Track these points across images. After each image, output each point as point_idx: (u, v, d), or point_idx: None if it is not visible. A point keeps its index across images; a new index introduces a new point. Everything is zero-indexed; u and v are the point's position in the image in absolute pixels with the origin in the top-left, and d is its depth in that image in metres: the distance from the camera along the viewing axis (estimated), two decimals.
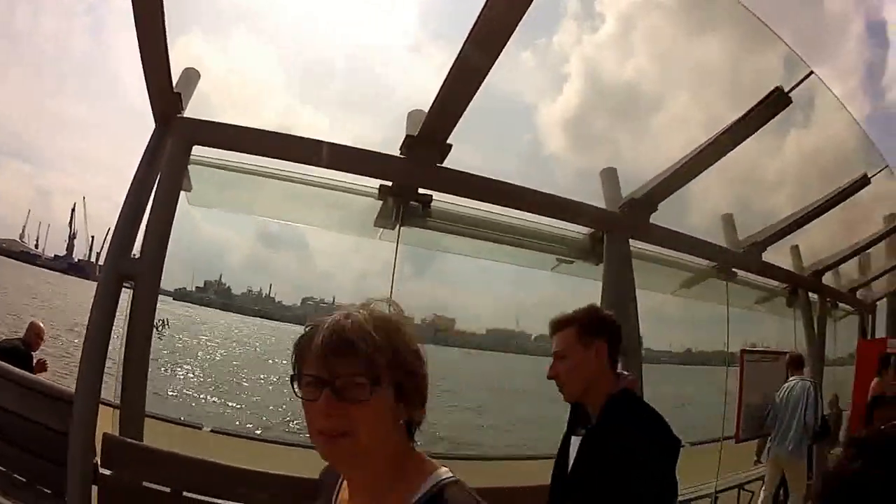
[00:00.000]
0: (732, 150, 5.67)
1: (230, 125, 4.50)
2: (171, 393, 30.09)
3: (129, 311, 4.33)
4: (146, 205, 4.32)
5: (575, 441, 2.84)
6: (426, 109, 4.60)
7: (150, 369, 4.54)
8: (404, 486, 1.48)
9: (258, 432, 22.84)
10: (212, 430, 12.39)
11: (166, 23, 3.73)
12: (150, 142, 4.43)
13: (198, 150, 4.54)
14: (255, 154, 4.68)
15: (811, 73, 5.59)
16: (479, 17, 3.83)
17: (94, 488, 4.07)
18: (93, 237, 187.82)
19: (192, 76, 4.71)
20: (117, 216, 4.32)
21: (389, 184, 5.02)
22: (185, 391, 33.08)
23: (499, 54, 4.04)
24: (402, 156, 4.77)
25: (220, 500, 3.95)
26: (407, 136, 4.69)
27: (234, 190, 5.37)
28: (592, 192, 6.12)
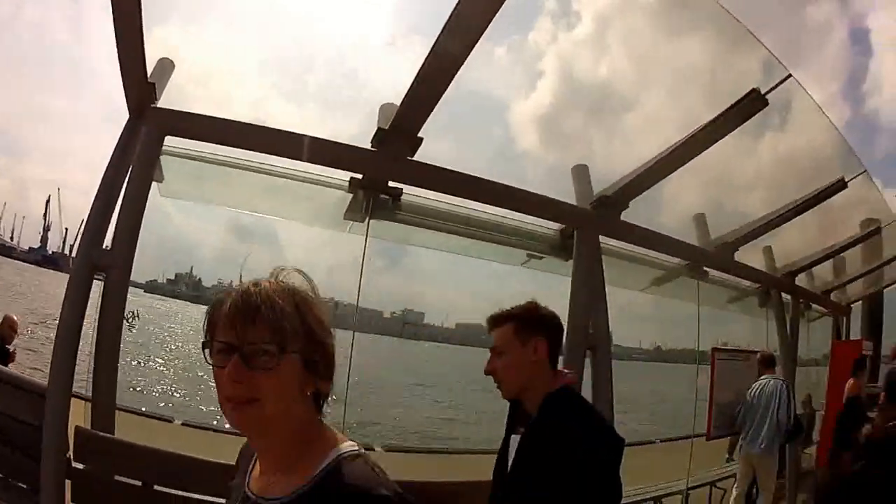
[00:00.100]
0: (706, 149, 5.72)
1: (203, 116, 4.51)
2: (140, 385, 30.06)
3: (100, 303, 4.32)
4: (118, 196, 4.33)
5: (515, 440, 2.83)
6: (399, 103, 4.62)
7: (120, 362, 4.53)
8: (310, 458, 1.53)
9: (228, 426, 22.88)
10: (183, 424, 12.43)
11: (143, 13, 3.74)
12: (123, 132, 4.43)
13: (170, 141, 4.57)
14: (227, 145, 4.70)
15: (789, 75, 5.63)
16: (453, 10, 3.86)
17: (68, 482, 4.06)
18: (66, 229, 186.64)
19: (166, 66, 4.72)
20: (90, 207, 4.34)
21: (360, 176, 5.07)
22: (156, 384, 33.04)
23: (472, 48, 4.07)
24: (372, 149, 4.79)
25: (191, 494, 3.92)
26: (378, 128, 4.71)
27: (205, 181, 5.38)
28: (564, 189, 6.17)
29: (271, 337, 1.46)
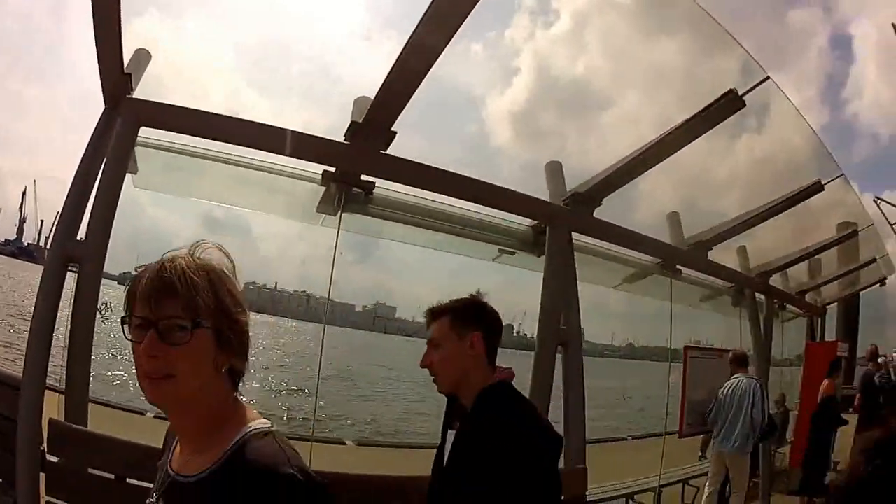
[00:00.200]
0: (682, 149, 5.78)
1: (177, 107, 4.51)
2: (115, 378, 29.95)
3: (73, 294, 4.31)
4: (93, 187, 4.33)
5: (451, 434, 2.83)
6: (373, 97, 4.64)
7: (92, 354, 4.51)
8: (223, 436, 1.57)
9: None
10: (155, 416, 12.45)
11: (122, 3, 3.76)
12: (98, 123, 4.44)
13: (145, 132, 4.56)
14: (202, 137, 4.71)
15: (767, 77, 5.65)
16: (430, 4, 3.88)
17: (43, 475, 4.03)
18: (42, 221, 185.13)
19: (142, 57, 4.72)
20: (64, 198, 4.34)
21: (333, 169, 5.07)
22: (128, 376, 32.90)
23: (449, 40, 4.10)
24: (346, 142, 4.80)
25: None
26: (352, 122, 4.73)
27: (179, 173, 5.39)
28: (538, 185, 6.22)
29: (184, 312, 1.49)
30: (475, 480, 2.48)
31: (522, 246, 6.40)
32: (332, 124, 4.96)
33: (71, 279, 4.31)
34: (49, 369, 4.22)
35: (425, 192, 5.56)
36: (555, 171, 6.29)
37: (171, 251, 1.61)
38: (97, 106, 4.46)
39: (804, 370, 10.93)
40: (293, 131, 4.68)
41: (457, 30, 4.03)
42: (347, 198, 5.27)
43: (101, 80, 4.28)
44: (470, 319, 2.77)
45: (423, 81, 4.41)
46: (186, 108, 4.51)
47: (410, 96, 4.53)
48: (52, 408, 4.21)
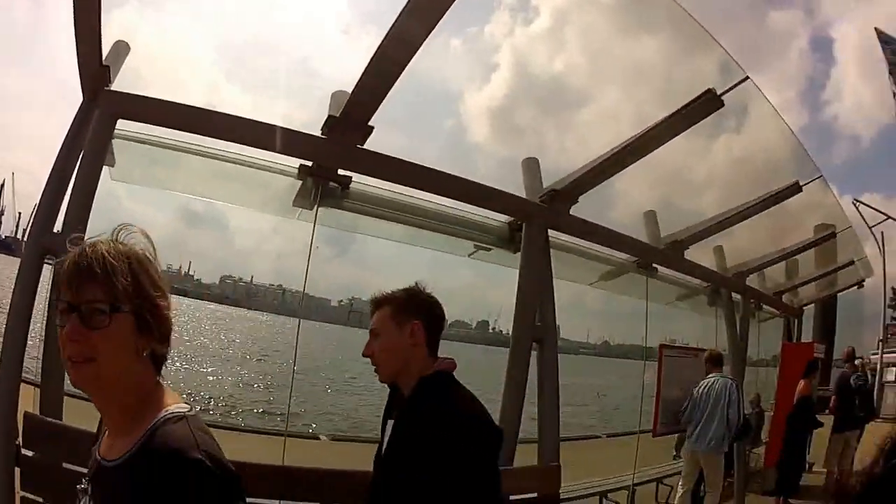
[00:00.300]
0: (659, 147, 5.82)
1: (155, 99, 4.50)
2: None
3: (50, 287, 4.33)
4: (70, 179, 4.33)
5: (391, 424, 2.85)
6: (350, 91, 4.64)
7: None
8: (144, 420, 1.61)
9: None
10: None
11: None
12: (76, 115, 4.46)
13: (123, 125, 4.56)
14: (179, 129, 4.71)
15: (746, 77, 5.67)
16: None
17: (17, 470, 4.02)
18: (20, 213, 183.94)
19: (121, 49, 4.73)
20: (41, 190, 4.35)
21: (309, 164, 5.08)
22: None
23: (428, 34, 4.12)
24: (322, 136, 4.82)
25: None
26: (329, 116, 4.74)
27: (157, 166, 5.39)
28: (515, 182, 6.27)
29: (103, 296, 1.54)
30: (413, 469, 2.52)
31: (498, 242, 6.44)
32: (310, 118, 4.99)
33: (48, 272, 4.28)
34: (25, 362, 4.23)
35: (402, 187, 5.58)
36: (531, 167, 6.34)
37: (94, 237, 1.66)
38: (76, 98, 4.49)
39: (780, 371, 10.99)
40: (270, 125, 4.69)
41: (438, 21, 4.05)
42: (324, 192, 5.27)
43: (80, 71, 4.29)
44: (410, 309, 2.82)
45: (402, 77, 4.42)
46: (164, 101, 4.50)
47: (388, 90, 4.54)
48: (28, 401, 4.22)
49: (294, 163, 5.12)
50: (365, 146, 4.98)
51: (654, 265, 8.27)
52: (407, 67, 4.36)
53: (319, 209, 5.29)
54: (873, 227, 29.60)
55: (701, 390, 8.34)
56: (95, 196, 4.31)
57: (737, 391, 8.27)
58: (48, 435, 4.02)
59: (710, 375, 8.45)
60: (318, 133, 4.84)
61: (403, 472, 2.58)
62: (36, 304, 4.27)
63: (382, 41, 4.16)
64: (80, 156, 4.34)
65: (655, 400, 8.43)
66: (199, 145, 5.04)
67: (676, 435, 9.73)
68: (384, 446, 2.83)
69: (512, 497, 5.13)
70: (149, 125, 4.68)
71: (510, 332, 5.92)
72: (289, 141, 4.77)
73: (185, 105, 4.54)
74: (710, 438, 8.14)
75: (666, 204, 9.76)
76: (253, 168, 5.26)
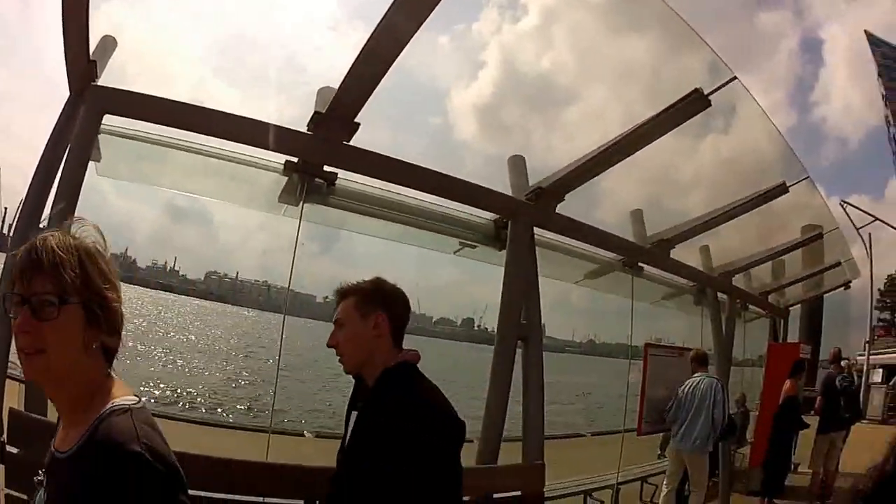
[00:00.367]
0: (646, 146, 5.86)
1: (142, 95, 4.49)
2: None
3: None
4: (56, 175, 4.31)
5: (355, 416, 2.84)
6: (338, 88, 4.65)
7: None
8: (94, 412, 1.64)
9: (151, 402, 22.81)
10: None
11: None
12: (63, 110, 4.46)
13: (109, 120, 4.55)
14: (165, 125, 4.70)
15: (734, 77, 5.71)
16: None
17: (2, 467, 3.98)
18: (6, 208, 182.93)
19: (108, 44, 4.71)
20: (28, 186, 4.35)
21: (295, 160, 5.08)
22: None
23: (415, 31, 4.14)
24: (308, 132, 4.83)
25: None
26: (315, 112, 4.75)
27: (142, 161, 5.38)
28: (501, 180, 6.29)
29: (53, 288, 1.58)
30: (376, 459, 2.51)
31: (484, 240, 6.45)
32: (297, 115, 4.99)
33: None
34: (10, 358, 4.22)
35: (388, 183, 5.58)
36: (518, 165, 6.38)
37: (47, 231, 1.68)
38: (62, 93, 4.49)
39: (766, 371, 11.03)
40: (256, 121, 4.69)
41: (427, 16, 4.07)
42: (309, 188, 5.27)
43: (67, 66, 4.29)
44: (375, 301, 2.84)
45: (389, 74, 4.44)
46: (151, 97, 4.49)
47: (375, 86, 4.55)
48: (13, 398, 4.21)
49: (280, 159, 5.12)
50: (351, 143, 4.99)
51: (640, 264, 8.30)
52: (395, 65, 4.38)
53: (305, 205, 5.28)
54: (860, 228, 29.79)
55: (686, 389, 8.37)
56: (81, 191, 4.28)
57: (722, 391, 8.29)
58: (33, 432, 3.93)
59: (696, 375, 8.47)
60: (304, 129, 4.86)
61: (367, 463, 2.57)
62: None
63: (372, 35, 4.16)
64: (67, 151, 4.34)
65: (640, 399, 8.47)
66: (184, 141, 5.01)
67: (661, 434, 9.77)
68: (347, 437, 2.83)
69: (496, 495, 5.16)
70: (135, 120, 4.68)
71: (495, 330, 5.96)
72: (275, 137, 4.76)
73: (171, 100, 4.55)
74: (695, 438, 8.16)
75: (653, 203, 9.78)
76: (239, 164, 5.25)
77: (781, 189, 8.01)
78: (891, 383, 27.55)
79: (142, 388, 28.60)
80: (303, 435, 13.67)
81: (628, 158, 6.02)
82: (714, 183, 9.73)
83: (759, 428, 10.87)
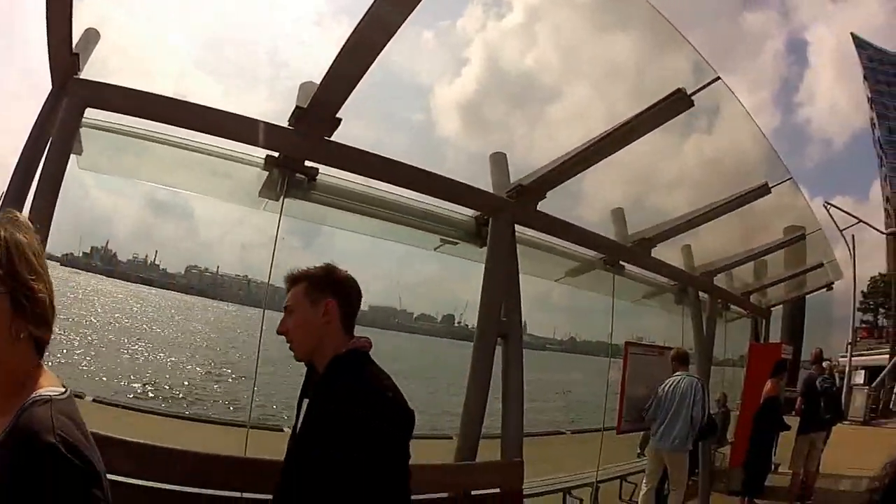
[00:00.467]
0: (628, 145, 5.88)
1: (124, 88, 4.49)
2: (48, 358, 29.78)
3: None
4: (38, 168, 4.29)
5: (306, 403, 2.81)
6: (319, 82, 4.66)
7: None
8: (20, 402, 1.63)
9: (126, 396, 22.79)
10: (93, 400, 12.37)
11: None
12: (45, 103, 4.44)
13: (91, 113, 4.55)
14: (147, 118, 4.70)
15: (717, 78, 5.73)
16: None
17: None
18: None
19: (91, 37, 4.71)
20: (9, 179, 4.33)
21: (276, 154, 5.09)
22: (64, 358, 32.70)
23: (397, 29, 4.15)
24: (290, 127, 4.83)
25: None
26: (297, 107, 4.75)
27: (124, 155, 5.37)
28: (484, 177, 6.32)
29: None
30: (325, 446, 2.49)
31: (465, 236, 6.48)
32: (281, 109, 5.01)
33: None
34: None
35: (369, 179, 5.61)
36: (499, 162, 6.41)
37: None
38: (45, 86, 4.50)
39: (747, 371, 11.14)
40: (237, 115, 4.70)
41: (404, 19, 4.10)
42: (290, 183, 5.28)
43: (50, 59, 4.28)
44: (325, 287, 2.83)
45: (373, 69, 4.45)
46: (133, 90, 4.49)
47: (357, 82, 4.55)
48: None
49: (261, 153, 5.13)
50: (333, 138, 5.00)
51: (622, 262, 8.36)
52: (379, 60, 4.38)
53: (286, 200, 5.30)
54: (844, 230, 30.04)
55: (666, 388, 8.41)
56: (62, 184, 4.29)
57: (702, 390, 8.33)
58: None
59: (676, 374, 8.52)
60: (286, 124, 4.86)
61: (317, 451, 2.54)
62: None
63: (356, 27, 4.17)
64: (48, 144, 4.33)
65: (620, 397, 8.51)
66: (166, 134, 5.02)
67: (642, 433, 9.83)
68: (298, 425, 2.81)
69: (474, 492, 5.20)
70: (116, 114, 4.67)
71: (476, 327, 5.99)
72: (256, 131, 4.77)
73: (153, 94, 4.54)
74: (675, 437, 8.20)
75: (636, 202, 9.87)
76: (220, 158, 5.25)
77: (764, 190, 8.05)
78: (873, 385, 27.79)
79: (121, 383, 28.60)
80: (282, 430, 13.67)
81: (612, 157, 6.05)
82: (697, 182, 9.79)
83: (739, 428, 10.96)
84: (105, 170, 5.93)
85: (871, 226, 34.94)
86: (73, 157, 4.52)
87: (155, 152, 5.19)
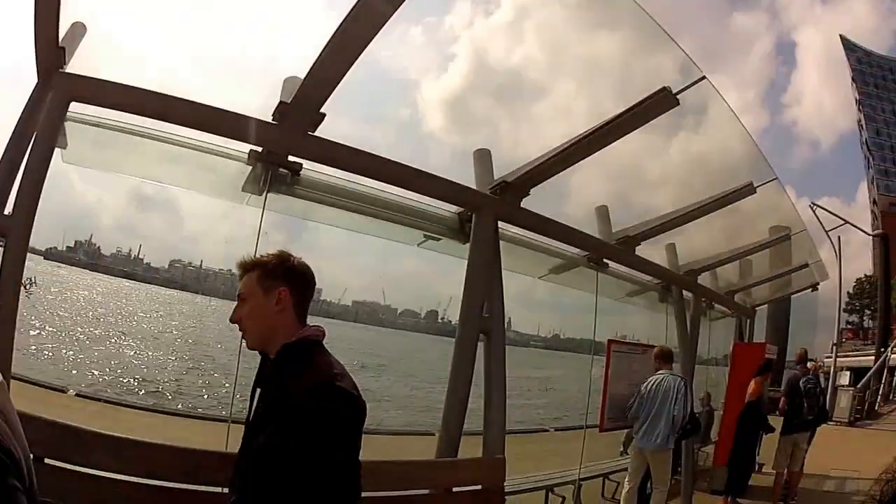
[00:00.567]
0: (612, 143, 5.93)
1: (109, 82, 4.51)
2: (32, 352, 29.72)
3: None
4: (22, 161, 4.30)
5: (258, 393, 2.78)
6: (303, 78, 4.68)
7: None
8: None
9: (108, 391, 22.74)
10: (77, 394, 12.36)
11: None
12: (30, 97, 4.43)
13: (76, 107, 4.57)
14: (131, 112, 4.69)
15: (703, 77, 5.76)
16: None
17: None
18: None
19: (77, 31, 4.72)
20: None
21: (259, 149, 5.10)
22: (48, 352, 32.66)
23: (384, 22, 4.19)
24: (273, 122, 4.86)
25: (81, 469, 3.78)
26: (280, 102, 4.78)
27: (108, 149, 5.38)
28: (469, 173, 6.38)
29: None
30: (274, 435, 2.46)
31: (448, 232, 6.53)
32: (266, 104, 5.04)
33: None
34: None
35: (353, 175, 5.62)
36: (483, 158, 6.46)
37: None
38: (31, 79, 4.51)
39: (731, 370, 11.17)
40: (221, 110, 4.72)
41: (390, 15, 4.16)
42: (274, 178, 5.30)
43: (36, 53, 4.30)
44: (278, 275, 2.78)
45: (360, 65, 4.48)
46: (117, 84, 4.50)
47: (341, 78, 4.58)
48: None
49: (246, 148, 5.15)
50: (317, 133, 5.04)
51: (606, 260, 8.40)
52: (365, 56, 4.43)
53: (269, 195, 5.32)
54: (830, 231, 30.21)
55: (649, 386, 8.42)
56: (47, 178, 4.32)
57: (685, 388, 8.34)
58: None
59: (659, 372, 8.52)
60: (270, 119, 4.90)
61: (272, 439, 2.48)
62: None
63: (347, 16, 4.19)
64: (33, 138, 4.34)
65: (602, 395, 8.54)
66: (150, 128, 5.04)
67: (625, 432, 9.87)
68: (251, 414, 2.77)
69: (455, 489, 5.24)
70: (101, 108, 4.70)
71: None
72: (239, 126, 4.81)
73: (138, 88, 4.57)
74: (657, 436, 8.21)
75: (622, 200, 9.92)
76: (204, 153, 5.28)
77: (749, 189, 8.13)
78: (858, 386, 27.95)
79: (104, 377, 28.53)
80: None
81: (598, 155, 6.10)
82: (682, 181, 9.86)
83: (723, 427, 11.01)
84: (90, 164, 5.94)
85: (857, 227, 35.09)
86: (57, 150, 4.54)
87: (139, 146, 5.20)
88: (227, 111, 4.76)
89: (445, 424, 5.76)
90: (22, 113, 4.41)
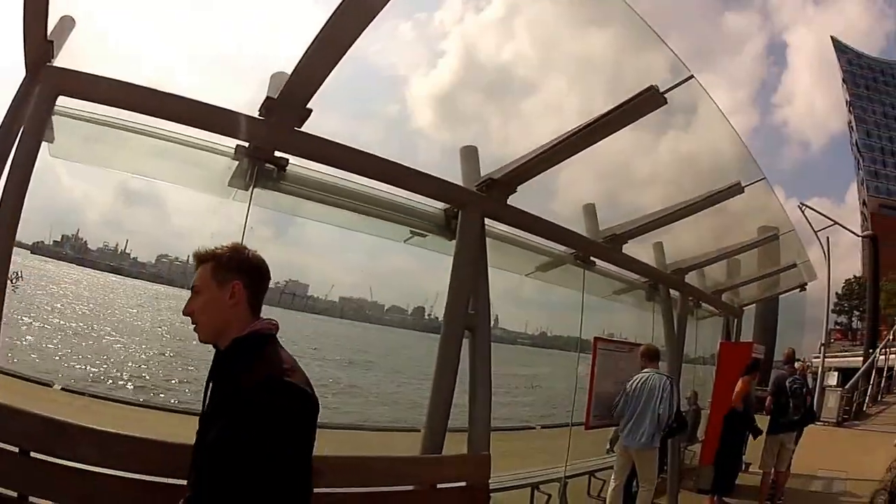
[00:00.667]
0: (599, 141, 5.96)
1: (96, 77, 4.51)
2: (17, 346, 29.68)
3: None
4: (9, 155, 4.29)
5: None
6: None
7: None
8: None
9: (95, 385, 22.73)
10: (62, 388, 12.35)
11: None
12: (18, 91, 4.44)
13: (64, 102, 4.57)
14: (118, 107, 4.71)
15: (691, 76, 5.78)
16: None
17: None
18: None
19: (66, 24, 4.73)
20: None
21: (246, 144, 5.10)
22: (33, 346, 32.60)
23: (373, 17, 4.22)
24: (260, 117, 4.87)
25: (67, 462, 3.83)
26: (267, 97, 4.80)
27: (96, 143, 5.37)
28: (456, 169, 6.40)
29: None
30: (224, 429, 2.45)
31: (435, 229, 6.56)
32: (253, 98, 5.05)
33: None
34: None
35: (340, 171, 5.63)
36: (470, 155, 6.49)
37: None
38: (19, 73, 4.52)
39: (718, 369, 11.18)
40: (208, 104, 4.73)
41: (379, 10, 4.19)
42: (260, 173, 5.31)
43: (24, 46, 4.29)
44: (232, 267, 2.74)
45: (348, 61, 4.50)
46: (105, 79, 4.51)
47: (328, 73, 4.61)
48: None
49: (233, 143, 5.14)
50: (304, 129, 5.06)
51: (593, 258, 8.41)
52: (354, 51, 4.45)
53: (256, 190, 5.34)
54: (819, 231, 30.32)
55: (635, 385, 8.43)
56: (34, 172, 4.32)
57: (671, 387, 8.35)
58: None
59: (645, 370, 8.54)
60: (256, 114, 4.91)
61: (223, 432, 2.46)
62: None
63: (322, 28, 4.25)
64: (20, 132, 4.35)
65: (588, 393, 8.54)
66: (137, 123, 5.04)
67: (612, 430, 9.90)
68: (205, 408, 2.72)
69: (440, 485, 5.28)
70: (89, 102, 4.69)
71: None
72: (226, 121, 4.82)
73: (125, 83, 4.56)
74: (641, 434, 8.23)
75: (610, 198, 9.94)
76: (191, 147, 5.29)
77: (737, 189, 8.17)
78: (846, 387, 28.04)
79: (90, 372, 28.48)
80: None
81: (586, 153, 6.13)
82: (671, 180, 9.89)
83: (710, 426, 11.04)
84: (77, 158, 5.94)
85: (846, 228, 35.21)
86: (44, 144, 4.56)
87: (127, 141, 5.21)
88: (214, 106, 4.78)
89: (430, 421, 5.77)
90: (9, 107, 4.41)
